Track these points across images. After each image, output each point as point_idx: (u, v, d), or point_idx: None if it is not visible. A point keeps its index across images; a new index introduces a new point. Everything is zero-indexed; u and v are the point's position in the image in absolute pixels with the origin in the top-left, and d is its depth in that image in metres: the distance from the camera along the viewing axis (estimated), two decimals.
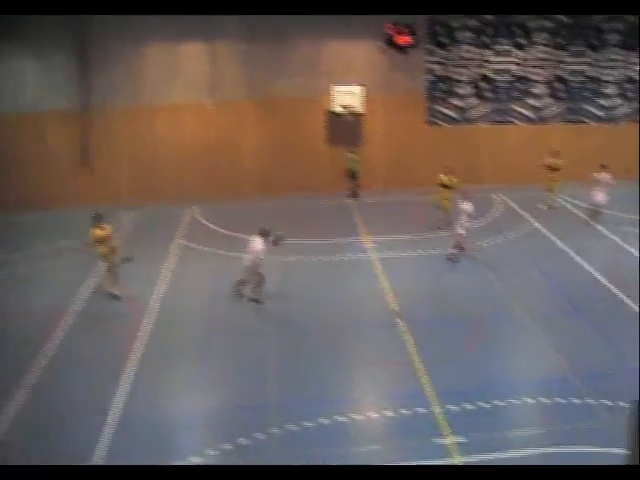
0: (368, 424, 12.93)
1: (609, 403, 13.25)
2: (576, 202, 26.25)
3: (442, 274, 20.02)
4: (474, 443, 12.16)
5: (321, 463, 11.50)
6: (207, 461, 11.79)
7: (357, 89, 26.75)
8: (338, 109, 26.86)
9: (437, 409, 13.14)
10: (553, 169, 25.45)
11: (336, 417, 12.95)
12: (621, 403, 12.96)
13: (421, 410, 13.12)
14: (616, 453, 10.83)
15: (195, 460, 11.80)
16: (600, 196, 24.03)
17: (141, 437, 12.51)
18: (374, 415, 13.13)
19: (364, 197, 27.14)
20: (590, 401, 13.43)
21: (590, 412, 13.13)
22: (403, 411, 13.13)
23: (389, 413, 13.14)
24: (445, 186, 23.36)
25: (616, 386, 13.80)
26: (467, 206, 21.00)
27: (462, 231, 20.95)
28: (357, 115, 27.15)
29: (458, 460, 11.74)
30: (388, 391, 14.05)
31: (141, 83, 26.18)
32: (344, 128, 27.32)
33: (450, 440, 12.26)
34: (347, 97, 26.73)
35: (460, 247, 20.97)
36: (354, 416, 13.02)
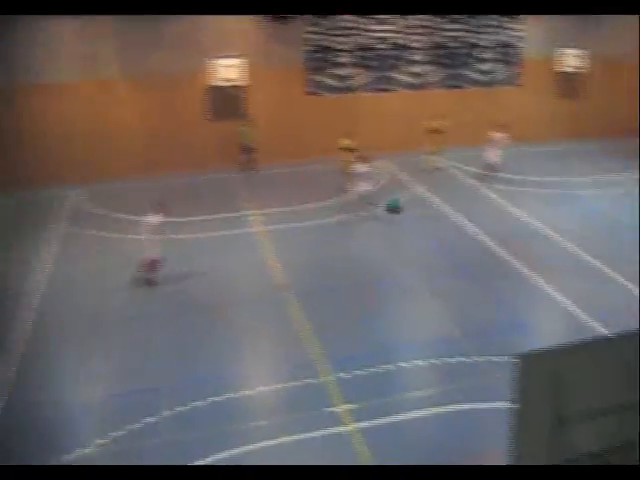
0: (260, 399, 12.76)
1: (496, 359, 13.50)
2: (459, 165, 26.67)
3: (329, 242, 19.95)
4: (367, 409, 12.18)
5: (214, 441, 11.29)
6: (98, 451, 11.34)
7: (237, 62, 26.27)
8: (219, 82, 26.32)
9: (328, 378, 13.08)
10: (438, 132, 25.73)
11: (227, 395, 12.71)
12: (507, 358, 13.20)
13: (312, 381, 13.05)
14: (504, 407, 10.99)
15: (86, 452, 11.32)
16: (493, 155, 24.50)
17: (26, 431, 11.91)
18: (265, 389, 12.97)
19: (249, 171, 26.74)
20: (478, 359, 13.66)
21: (478, 369, 13.37)
22: (294, 383, 13.03)
23: (280, 386, 13.00)
24: (349, 150, 23.60)
25: (503, 342, 14.10)
26: (364, 168, 21.43)
27: (362, 189, 21.43)
28: (238, 88, 26.69)
29: (352, 427, 11.70)
30: (279, 364, 13.89)
31: (13, 62, 24.83)
32: (226, 102, 26.86)
33: (342, 408, 12.22)
34: (227, 70, 26.22)
35: (369, 201, 21.58)
36: (246, 392, 12.83)
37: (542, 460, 6.93)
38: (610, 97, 30.54)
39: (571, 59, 29.65)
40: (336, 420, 11.91)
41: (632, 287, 16.66)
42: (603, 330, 14.41)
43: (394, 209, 16.81)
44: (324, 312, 15.67)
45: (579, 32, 29.73)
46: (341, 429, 11.70)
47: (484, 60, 29.58)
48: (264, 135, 27.29)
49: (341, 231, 20.70)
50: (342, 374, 13.16)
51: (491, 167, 24.59)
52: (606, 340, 10.08)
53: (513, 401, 8.67)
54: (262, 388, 12.99)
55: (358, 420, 11.87)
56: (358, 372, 13.22)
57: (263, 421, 12.03)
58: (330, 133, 26.54)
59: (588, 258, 18.37)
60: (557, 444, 8.83)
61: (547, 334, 14.65)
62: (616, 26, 29.80)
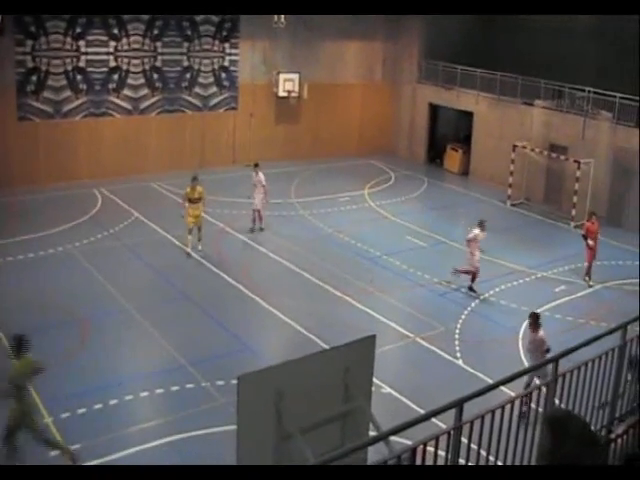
0: None
1: (221, 383, 13.55)
2: (178, 190, 25.61)
3: (42, 278, 18.44)
4: (92, 447, 11.61)
5: None
6: None
7: None
8: None
9: (47, 419, 12.32)
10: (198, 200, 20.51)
11: None
12: (233, 381, 13.24)
13: None
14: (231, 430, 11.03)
15: None
16: None
17: None
18: None
19: None
20: (204, 384, 13.64)
21: (205, 395, 13.35)
22: None
23: None
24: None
25: (229, 366, 14.09)
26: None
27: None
28: None
29: None
30: None
31: None
32: None
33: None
34: None
35: None
36: None
37: None
38: (322, 119, 32.17)
39: (286, 83, 30.65)
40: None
41: (353, 302, 17.64)
42: (324, 345, 14.82)
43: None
44: (38, 351, 14.41)
45: (291, 57, 30.95)
46: None
47: (202, 84, 29.72)
48: None
49: (54, 264, 19.38)
50: (63, 414, 12.48)
51: None
52: (319, 355, 10.54)
53: (238, 422, 8.78)
54: None
55: (84, 461, 11.29)
56: (80, 410, 12.62)
57: None
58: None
59: (308, 276, 19.12)
60: (282, 458, 9.04)
61: (273, 353, 14.89)
62: (324, 50, 31.62)
